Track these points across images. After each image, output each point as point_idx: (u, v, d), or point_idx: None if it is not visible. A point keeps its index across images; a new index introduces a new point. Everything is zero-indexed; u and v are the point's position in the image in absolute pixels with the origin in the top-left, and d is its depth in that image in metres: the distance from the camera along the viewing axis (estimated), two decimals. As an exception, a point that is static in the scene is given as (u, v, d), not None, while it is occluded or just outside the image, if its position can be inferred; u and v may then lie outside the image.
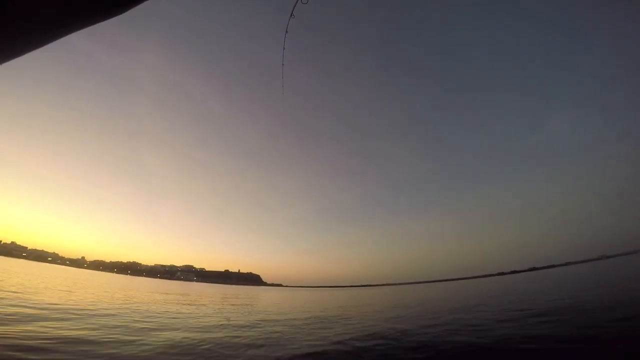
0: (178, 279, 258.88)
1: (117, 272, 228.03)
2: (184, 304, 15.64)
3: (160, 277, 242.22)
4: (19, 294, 10.88)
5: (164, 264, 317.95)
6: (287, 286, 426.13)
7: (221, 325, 9.23)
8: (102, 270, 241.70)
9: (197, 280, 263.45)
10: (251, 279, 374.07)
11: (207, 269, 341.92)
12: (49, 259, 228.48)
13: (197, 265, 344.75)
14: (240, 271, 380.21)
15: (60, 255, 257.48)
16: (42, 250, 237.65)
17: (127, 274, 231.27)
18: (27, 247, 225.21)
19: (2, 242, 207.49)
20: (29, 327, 5.83)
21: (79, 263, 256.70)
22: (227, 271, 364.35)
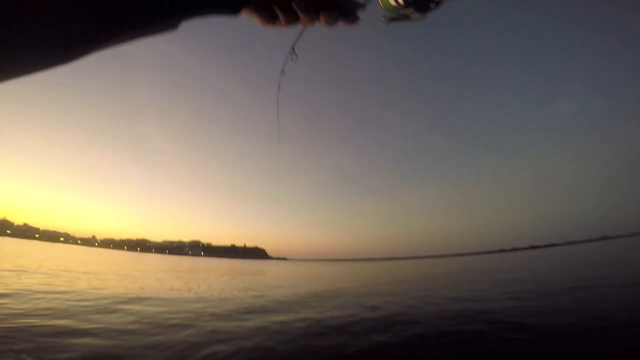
0: (186, 254, 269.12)
1: (127, 250, 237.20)
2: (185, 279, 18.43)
3: (169, 253, 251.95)
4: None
5: (172, 240, 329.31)
6: (291, 259, 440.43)
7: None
8: (112, 248, 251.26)
9: (204, 255, 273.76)
10: (256, 253, 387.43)
11: (214, 244, 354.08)
12: (61, 239, 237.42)
13: (205, 240, 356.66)
14: (246, 245, 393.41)
15: (71, 235, 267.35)
16: (54, 231, 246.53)
17: (137, 250, 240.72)
18: (39, 229, 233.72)
19: (15, 225, 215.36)
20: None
21: (90, 242, 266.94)
22: (233, 246, 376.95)
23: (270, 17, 0.50)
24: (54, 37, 0.33)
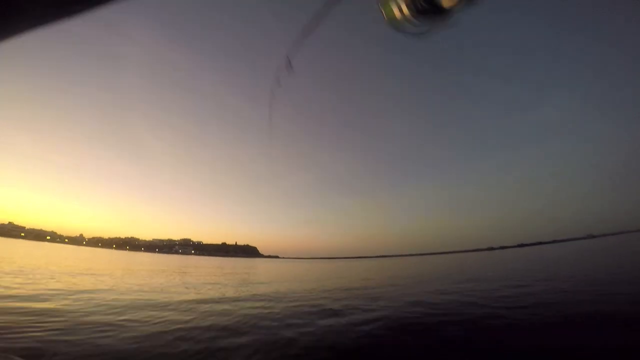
0: (176, 252, 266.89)
1: (115, 248, 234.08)
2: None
3: (158, 252, 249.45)
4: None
5: (162, 238, 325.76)
6: (283, 258, 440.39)
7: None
8: (101, 246, 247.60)
9: (195, 254, 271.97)
10: (248, 251, 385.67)
11: (204, 242, 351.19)
12: (48, 237, 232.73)
13: (195, 238, 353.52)
14: (237, 244, 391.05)
15: (58, 233, 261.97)
16: (41, 230, 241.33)
17: (126, 249, 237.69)
18: (25, 227, 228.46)
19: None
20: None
21: (77, 240, 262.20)
22: (224, 244, 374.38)
23: None
24: None
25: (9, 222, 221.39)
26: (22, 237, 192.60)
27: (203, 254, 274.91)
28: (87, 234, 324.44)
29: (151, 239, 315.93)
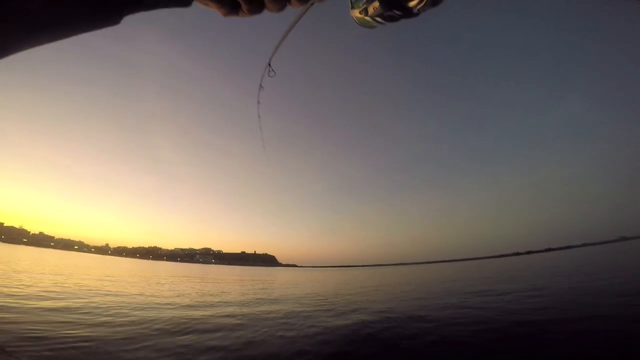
0: (197, 261, 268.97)
1: (139, 257, 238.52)
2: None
3: (180, 261, 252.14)
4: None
5: (184, 247, 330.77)
6: (301, 266, 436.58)
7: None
8: (125, 256, 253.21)
9: (215, 263, 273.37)
10: (267, 260, 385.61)
11: (224, 251, 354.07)
12: (75, 247, 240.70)
13: (215, 247, 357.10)
14: (256, 252, 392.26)
15: (85, 243, 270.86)
16: (69, 239, 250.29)
17: (149, 258, 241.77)
18: (54, 237, 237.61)
19: (30, 233, 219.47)
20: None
21: (103, 250, 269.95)
22: (243, 253, 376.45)
23: (230, 6, 0.44)
24: None
25: (40, 232, 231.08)
26: (52, 247, 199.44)
27: (223, 263, 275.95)
28: (112, 244, 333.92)
29: (173, 248, 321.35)
